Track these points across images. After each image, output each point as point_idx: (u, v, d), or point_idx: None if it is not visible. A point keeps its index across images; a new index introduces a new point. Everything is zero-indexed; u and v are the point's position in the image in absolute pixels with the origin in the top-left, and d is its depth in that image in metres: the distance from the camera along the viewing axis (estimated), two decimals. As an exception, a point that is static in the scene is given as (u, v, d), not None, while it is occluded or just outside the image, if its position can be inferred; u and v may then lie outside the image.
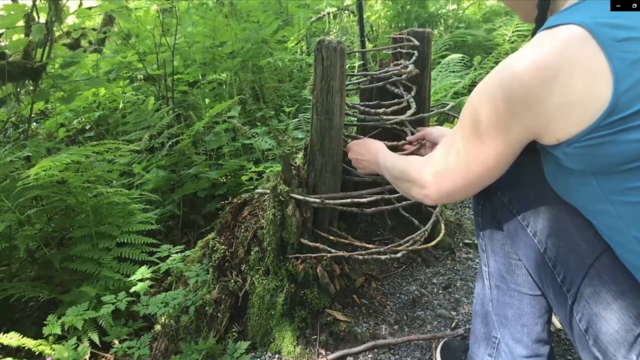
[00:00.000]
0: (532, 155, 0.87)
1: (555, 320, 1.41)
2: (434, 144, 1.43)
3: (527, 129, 0.79)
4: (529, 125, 0.79)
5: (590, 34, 0.71)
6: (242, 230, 1.63)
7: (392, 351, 1.43)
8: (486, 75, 0.84)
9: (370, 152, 1.35)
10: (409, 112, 1.64)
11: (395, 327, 1.52)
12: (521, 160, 0.87)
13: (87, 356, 1.37)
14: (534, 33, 0.87)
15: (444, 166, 0.94)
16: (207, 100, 3.33)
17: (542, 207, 0.90)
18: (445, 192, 0.95)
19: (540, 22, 0.89)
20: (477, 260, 1.89)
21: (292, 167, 1.54)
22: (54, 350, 1.29)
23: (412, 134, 1.72)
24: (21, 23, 2.48)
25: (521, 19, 1.01)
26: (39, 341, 1.30)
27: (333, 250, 1.45)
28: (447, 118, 2.98)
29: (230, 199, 1.75)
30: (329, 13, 4.71)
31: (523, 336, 1.06)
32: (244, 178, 2.32)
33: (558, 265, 0.86)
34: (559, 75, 0.73)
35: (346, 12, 4.91)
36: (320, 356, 1.40)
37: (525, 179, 0.94)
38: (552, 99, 0.74)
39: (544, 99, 0.75)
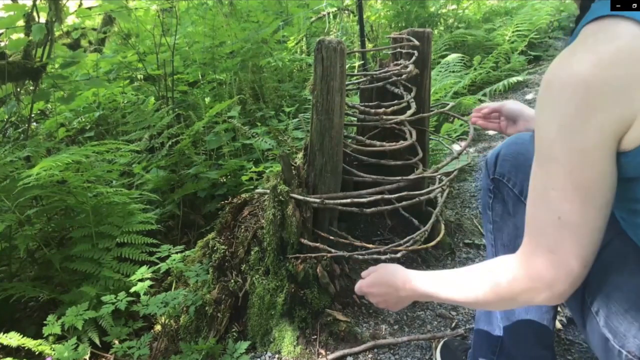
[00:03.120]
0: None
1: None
2: (510, 120, 1.24)
3: (611, 126, 0.68)
4: (612, 121, 0.68)
5: None
6: (242, 230, 1.63)
7: (392, 351, 1.43)
8: (539, 95, 0.73)
9: (398, 287, 0.99)
10: (409, 112, 1.64)
11: (395, 327, 1.52)
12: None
13: (87, 356, 1.37)
14: (577, 21, 0.80)
15: (556, 237, 0.74)
16: (207, 100, 3.33)
17: None
18: (577, 269, 0.74)
19: (584, 10, 0.81)
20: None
21: (292, 167, 1.54)
22: (54, 350, 1.29)
23: (412, 134, 1.72)
24: (21, 23, 2.48)
25: None
26: (39, 341, 1.30)
27: (333, 250, 1.45)
28: (447, 118, 2.98)
29: (230, 199, 1.75)
30: (329, 13, 4.71)
31: (526, 336, 1.06)
32: (244, 178, 2.32)
33: None
34: (624, 74, 0.67)
35: (346, 12, 4.92)
36: (320, 356, 1.40)
37: None
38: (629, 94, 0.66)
39: (623, 92, 0.67)
